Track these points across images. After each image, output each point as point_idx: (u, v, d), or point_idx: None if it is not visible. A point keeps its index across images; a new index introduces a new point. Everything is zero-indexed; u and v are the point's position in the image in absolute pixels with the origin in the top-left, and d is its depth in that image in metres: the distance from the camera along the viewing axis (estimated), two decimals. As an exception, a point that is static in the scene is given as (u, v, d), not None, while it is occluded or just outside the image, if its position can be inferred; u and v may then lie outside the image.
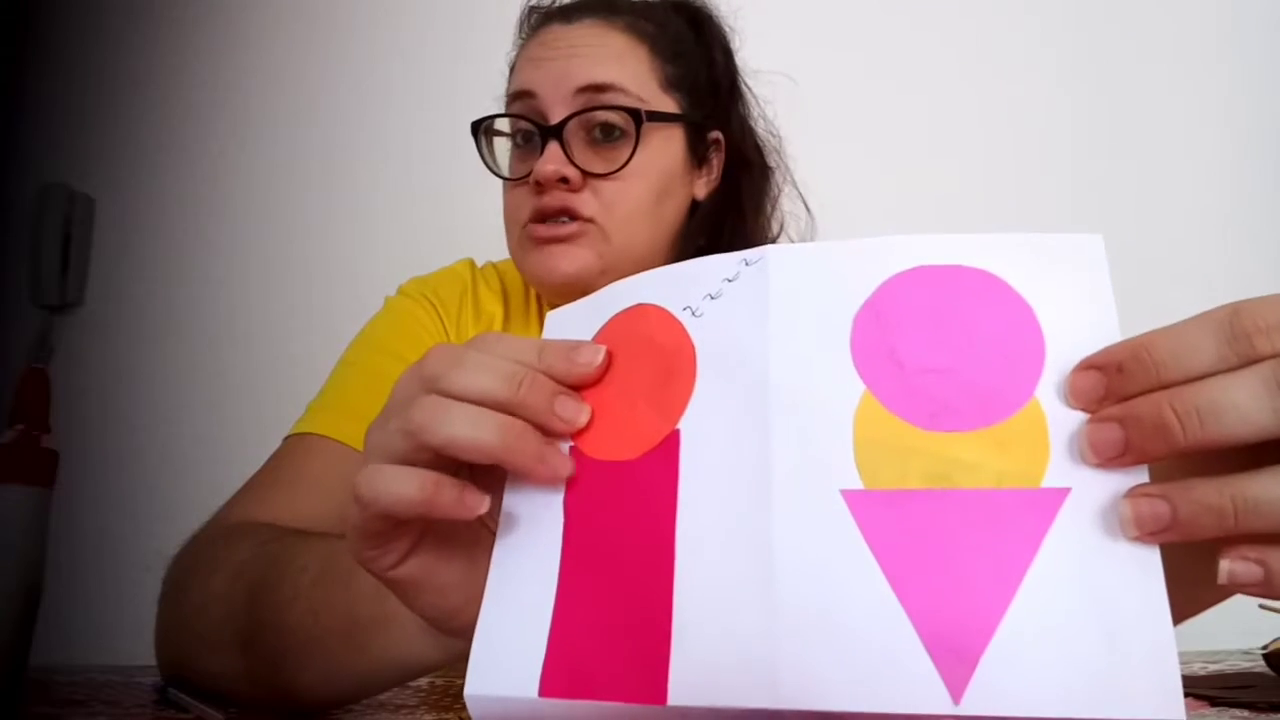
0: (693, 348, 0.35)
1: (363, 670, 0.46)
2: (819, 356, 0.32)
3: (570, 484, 0.35)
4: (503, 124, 0.76)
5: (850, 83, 1.33)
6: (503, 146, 0.76)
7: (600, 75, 0.71)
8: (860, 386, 0.32)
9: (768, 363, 0.33)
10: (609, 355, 0.36)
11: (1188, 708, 0.26)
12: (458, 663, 0.35)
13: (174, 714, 0.51)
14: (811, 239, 0.85)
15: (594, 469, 0.35)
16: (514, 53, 0.79)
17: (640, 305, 0.37)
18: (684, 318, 0.35)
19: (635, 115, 0.70)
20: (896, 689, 0.28)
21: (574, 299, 0.39)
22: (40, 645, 0.50)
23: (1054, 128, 1.37)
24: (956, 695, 0.27)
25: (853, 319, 0.33)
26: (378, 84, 1.46)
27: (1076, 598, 0.28)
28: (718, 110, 0.79)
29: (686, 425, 0.34)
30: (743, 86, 0.83)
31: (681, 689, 0.30)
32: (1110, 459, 0.29)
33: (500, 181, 0.76)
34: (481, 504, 0.34)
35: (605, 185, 0.71)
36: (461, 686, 0.33)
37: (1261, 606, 0.59)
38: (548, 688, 0.32)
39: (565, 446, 0.36)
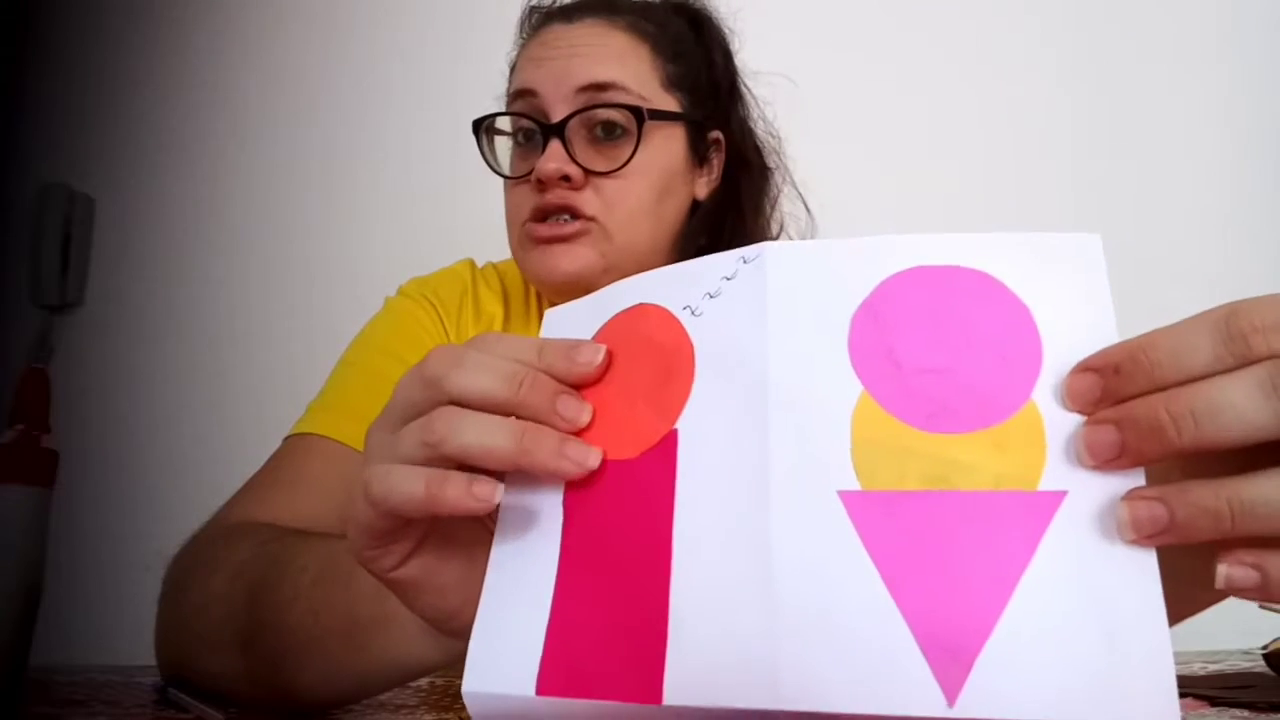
0: (691, 347, 0.35)
1: (363, 670, 0.46)
2: (817, 356, 0.32)
3: (569, 483, 0.35)
4: (504, 123, 0.76)
5: (850, 83, 1.33)
6: (504, 145, 0.76)
7: (602, 74, 0.71)
8: (858, 386, 0.32)
9: (766, 362, 0.33)
10: (609, 355, 0.36)
11: (1188, 708, 0.26)
12: (457, 663, 0.35)
13: (174, 714, 0.51)
14: (811, 239, 0.85)
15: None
16: (515, 52, 0.79)
17: (641, 305, 0.37)
18: (684, 317, 0.35)
19: (637, 113, 0.70)
20: (893, 690, 0.28)
21: (576, 298, 0.39)
22: (40, 645, 0.50)
23: (1054, 128, 1.37)
24: (951, 697, 0.27)
25: (850, 318, 0.33)
26: (378, 84, 1.46)
27: (1073, 601, 0.28)
28: (718, 110, 0.79)
29: (685, 425, 0.34)
30: (742, 87, 0.83)
31: (677, 688, 0.30)
32: (1107, 461, 0.29)
33: (501, 181, 0.76)
34: (494, 493, 0.33)
35: (607, 183, 0.71)
36: (461, 686, 0.33)
37: (1261, 606, 0.59)
38: (545, 686, 0.32)
39: None
